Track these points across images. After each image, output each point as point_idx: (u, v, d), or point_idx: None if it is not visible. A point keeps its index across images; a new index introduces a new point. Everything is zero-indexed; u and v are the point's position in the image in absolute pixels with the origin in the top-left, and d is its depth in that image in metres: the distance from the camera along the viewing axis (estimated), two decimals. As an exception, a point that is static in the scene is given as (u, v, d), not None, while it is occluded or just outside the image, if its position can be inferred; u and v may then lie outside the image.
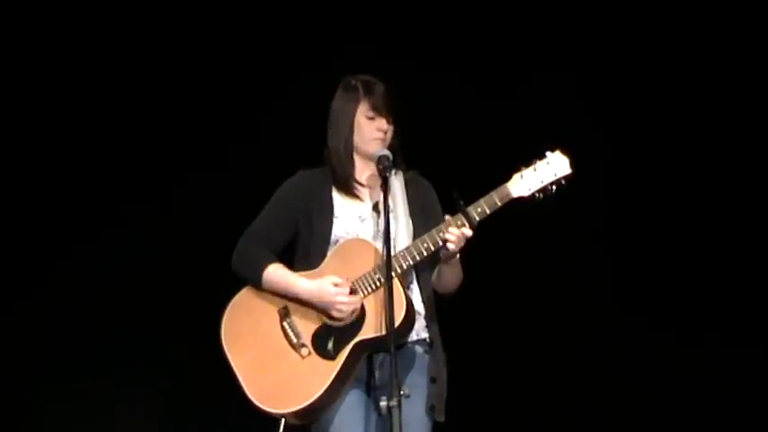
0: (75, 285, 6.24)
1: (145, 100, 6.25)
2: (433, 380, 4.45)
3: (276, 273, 4.47)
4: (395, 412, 4.02)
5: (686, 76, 6.13)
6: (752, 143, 6.12)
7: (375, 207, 4.53)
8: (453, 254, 4.40)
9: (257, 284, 4.49)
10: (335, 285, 4.38)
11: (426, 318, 4.52)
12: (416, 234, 4.48)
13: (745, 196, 6.13)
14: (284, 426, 4.46)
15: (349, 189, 4.57)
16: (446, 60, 6.15)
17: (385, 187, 4.38)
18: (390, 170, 4.43)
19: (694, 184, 6.17)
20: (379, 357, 4.43)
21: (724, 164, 6.15)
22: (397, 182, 4.55)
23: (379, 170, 4.45)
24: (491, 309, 6.06)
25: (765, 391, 6.09)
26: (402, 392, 4.07)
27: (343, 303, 4.37)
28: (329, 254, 4.48)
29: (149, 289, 6.20)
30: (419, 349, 4.50)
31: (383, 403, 4.07)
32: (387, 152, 4.48)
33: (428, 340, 4.51)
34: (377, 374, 4.42)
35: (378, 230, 4.50)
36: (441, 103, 6.08)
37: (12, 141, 6.25)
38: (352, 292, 4.42)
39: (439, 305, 4.58)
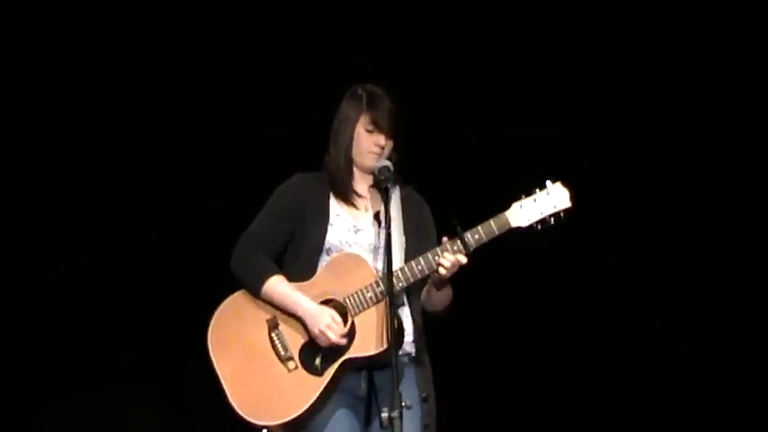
0: (73, 296, 6.16)
1: (143, 107, 6.22)
2: (425, 399, 4.41)
3: (277, 287, 4.39)
4: (396, 423, 3.96)
5: (686, 102, 6.30)
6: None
7: (376, 216, 4.48)
8: (445, 278, 4.37)
9: (255, 293, 4.40)
10: (333, 320, 4.33)
11: (414, 336, 4.48)
12: (409, 252, 4.46)
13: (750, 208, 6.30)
14: (267, 434, 4.40)
15: (347, 198, 4.52)
16: (451, 81, 6.21)
17: (386, 198, 4.34)
18: (391, 182, 4.39)
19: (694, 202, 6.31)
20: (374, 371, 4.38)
21: (725, 181, 6.30)
22: (393, 198, 4.50)
23: (379, 181, 4.40)
24: (476, 325, 6.04)
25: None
26: (403, 404, 4.01)
27: (329, 339, 4.31)
28: (323, 266, 4.42)
29: (151, 298, 6.12)
30: (405, 360, 4.43)
31: (384, 414, 4.00)
32: (388, 163, 4.43)
33: (414, 356, 4.46)
34: (362, 385, 4.38)
35: (372, 244, 4.45)
36: (441, 123, 6.10)
37: (12, 153, 6.19)
38: (340, 312, 4.36)
39: (426, 323, 4.54)
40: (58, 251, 6.16)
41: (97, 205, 6.18)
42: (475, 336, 6.07)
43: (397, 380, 4.03)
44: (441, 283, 4.40)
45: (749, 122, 6.24)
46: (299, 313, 4.36)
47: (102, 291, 6.15)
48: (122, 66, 6.20)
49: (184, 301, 5.74)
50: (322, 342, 4.33)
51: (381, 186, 4.38)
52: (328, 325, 4.32)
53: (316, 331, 4.32)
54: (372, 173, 4.46)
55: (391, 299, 4.19)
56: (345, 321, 4.36)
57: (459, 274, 4.39)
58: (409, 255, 4.44)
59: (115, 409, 6.07)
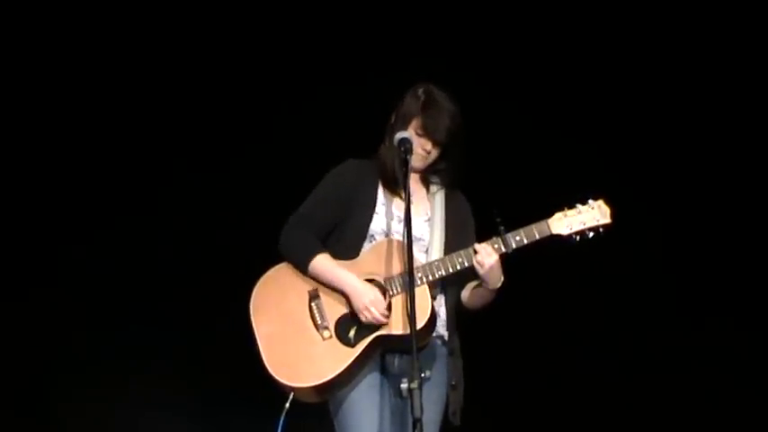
0: (93, 277, 6.30)
1: (154, 101, 6.37)
2: (453, 386, 4.62)
3: (323, 263, 4.60)
4: (415, 394, 4.13)
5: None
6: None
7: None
8: (486, 272, 4.54)
9: (303, 269, 4.61)
10: (377, 298, 4.54)
11: (447, 323, 4.69)
12: (448, 247, 4.67)
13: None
14: (292, 401, 4.54)
15: (394, 189, 4.71)
16: (503, 93, 6.34)
17: (405, 170, 4.50)
18: (410, 153, 4.55)
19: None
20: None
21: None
22: (438, 197, 4.75)
23: (398, 152, 4.56)
24: (508, 315, 6.12)
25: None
26: (423, 374, 4.22)
27: (372, 314, 4.52)
28: (368, 249, 4.63)
29: (172, 281, 6.27)
30: (437, 342, 4.66)
31: (404, 385, 4.20)
32: (408, 134, 4.58)
33: (446, 339, 4.67)
34: (396, 362, 4.58)
35: (415, 234, 4.61)
36: (493, 130, 6.23)
37: (14, 142, 6.32)
38: (382, 290, 4.58)
39: (459, 314, 4.75)
40: (83, 226, 6.28)
41: (119, 183, 6.33)
42: (505, 326, 6.13)
43: (417, 352, 4.21)
44: (486, 277, 4.55)
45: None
46: (345, 288, 4.56)
47: (124, 263, 6.30)
48: (143, 60, 6.35)
49: (206, 276, 6.03)
50: (364, 317, 4.52)
51: (401, 156, 4.54)
52: (372, 301, 4.52)
53: (360, 306, 4.52)
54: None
55: (411, 275, 4.35)
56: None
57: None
58: (448, 250, 4.65)
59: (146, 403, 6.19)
